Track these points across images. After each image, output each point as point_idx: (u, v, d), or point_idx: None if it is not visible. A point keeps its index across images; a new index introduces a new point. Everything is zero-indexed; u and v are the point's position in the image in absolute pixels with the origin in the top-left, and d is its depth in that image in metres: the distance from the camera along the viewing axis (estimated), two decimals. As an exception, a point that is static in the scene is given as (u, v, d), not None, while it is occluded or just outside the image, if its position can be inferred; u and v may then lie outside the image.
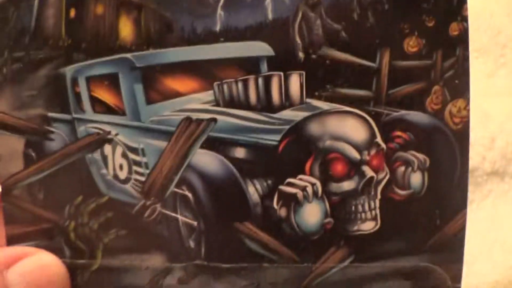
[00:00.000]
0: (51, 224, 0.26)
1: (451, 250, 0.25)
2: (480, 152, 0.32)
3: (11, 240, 0.26)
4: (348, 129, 0.25)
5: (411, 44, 0.24)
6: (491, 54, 0.33)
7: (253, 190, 0.25)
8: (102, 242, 0.26)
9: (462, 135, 0.25)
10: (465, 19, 0.24)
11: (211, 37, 0.25)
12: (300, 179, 0.25)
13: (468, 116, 0.25)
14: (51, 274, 0.25)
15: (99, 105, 0.26)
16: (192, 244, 0.26)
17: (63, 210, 0.26)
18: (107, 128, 0.26)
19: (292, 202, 0.25)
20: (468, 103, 0.25)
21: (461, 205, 0.25)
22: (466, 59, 0.25)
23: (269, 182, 0.25)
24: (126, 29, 0.25)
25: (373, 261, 0.26)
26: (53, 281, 0.25)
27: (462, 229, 0.25)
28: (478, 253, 0.34)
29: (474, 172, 0.33)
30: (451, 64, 0.25)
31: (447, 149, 0.25)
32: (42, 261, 0.25)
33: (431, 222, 0.25)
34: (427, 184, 0.25)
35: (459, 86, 0.25)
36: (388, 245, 0.25)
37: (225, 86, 0.25)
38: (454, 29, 0.24)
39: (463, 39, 0.24)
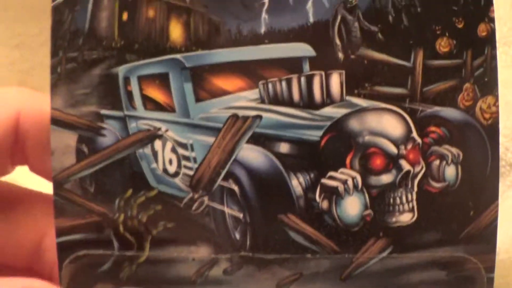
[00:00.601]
0: (100, 217, 0.27)
1: (484, 241, 0.27)
2: (502, 142, 0.33)
3: (61, 233, 0.27)
4: (385, 125, 0.26)
5: (443, 45, 0.26)
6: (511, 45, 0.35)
7: (297, 183, 0.26)
8: (151, 234, 0.27)
9: (493, 130, 0.26)
10: (491, 20, 0.26)
11: (256, 39, 0.26)
12: (341, 173, 0.26)
13: (497, 112, 0.26)
14: None
15: (150, 103, 0.27)
16: (237, 235, 0.27)
17: (113, 203, 0.27)
18: (157, 124, 0.27)
19: (334, 195, 0.26)
20: (497, 100, 0.26)
21: (493, 197, 0.27)
22: (494, 58, 0.26)
23: (312, 175, 0.26)
24: (176, 31, 0.27)
25: (410, 252, 0.27)
26: None
27: (494, 220, 0.27)
28: (504, 242, 0.35)
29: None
30: (480, 62, 0.26)
31: (479, 144, 0.26)
32: None
33: (465, 214, 0.26)
34: (460, 177, 0.26)
35: (488, 83, 0.26)
36: (425, 236, 0.27)
37: (269, 85, 0.26)
38: (482, 30, 0.26)
39: (490, 39, 0.26)
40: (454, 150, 0.26)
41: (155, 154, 0.27)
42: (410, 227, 0.27)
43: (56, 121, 0.27)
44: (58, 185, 0.27)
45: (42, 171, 0.28)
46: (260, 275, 0.27)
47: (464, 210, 0.26)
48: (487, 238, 0.27)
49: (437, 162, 0.26)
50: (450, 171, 0.26)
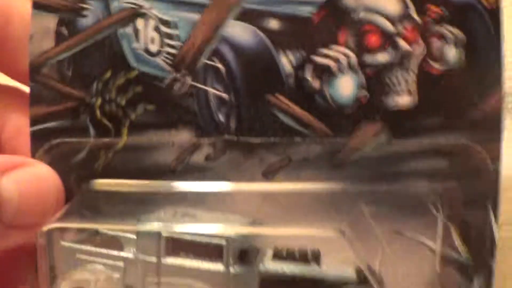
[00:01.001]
0: (77, 102, 0.25)
1: (489, 128, 0.24)
2: (511, 76, 0.32)
3: (35, 121, 0.26)
4: (381, 1, 0.25)
5: None
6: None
7: (286, 61, 0.24)
8: (129, 119, 0.25)
9: (496, 14, 0.25)
10: None
11: None
12: (334, 50, 0.24)
13: (500, -4, 0.25)
14: (45, 186, 0.25)
15: (134, -19, 0.26)
16: (221, 118, 0.25)
17: (91, 86, 0.25)
18: (140, 2, 0.25)
19: (326, 73, 0.24)
20: (499, -18, 0.25)
21: (497, 82, 0.24)
22: None
23: (303, 53, 0.24)
24: None
25: (409, 138, 0.24)
26: (46, 193, 0.25)
27: (499, 108, 0.24)
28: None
29: (505, 99, 0.32)
30: None
31: (481, 26, 0.25)
32: (39, 173, 0.25)
33: (467, 98, 0.24)
34: (463, 59, 0.24)
35: (489, -36, 0.25)
36: (425, 121, 0.24)
37: (259, -41, 0.25)
38: None
39: None
40: (455, 30, 0.25)
41: (136, 33, 0.25)
42: (409, 110, 0.24)
43: (36, 4, 0.26)
44: (35, 70, 0.26)
45: (5, 67, 0.27)
46: (245, 161, 0.25)
47: (467, 94, 0.24)
48: (491, 125, 0.24)
49: (437, 42, 0.25)
50: (452, 53, 0.25)
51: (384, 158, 0.25)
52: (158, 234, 0.23)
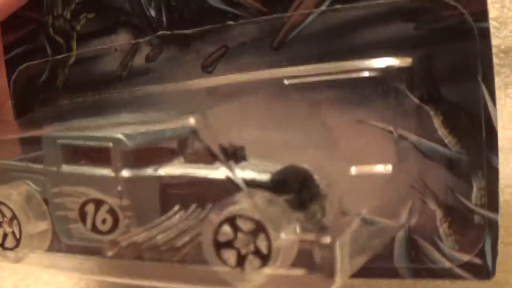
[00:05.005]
0: (35, 24, 0.24)
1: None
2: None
3: (8, 48, 0.25)
4: None
5: None
6: None
7: None
8: (75, 31, 0.23)
9: None
10: None
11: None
12: None
13: None
14: None
15: None
16: (153, 12, 0.22)
17: (42, 6, 0.24)
18: None
19: None
20: None
21: None
22: None
23: None
24: None
25: (358, 1, 0.19)
26: None
27: None
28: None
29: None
30: None
31: None
32: None
33: None
34: None
35: None
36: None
37: None
38: None
39: None
40: None
41: None
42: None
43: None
44: None
45: None
46: (183, 56, 0.21)
47: None
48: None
49: None
50: None
51: (331, 29, 0.19)
52: (54, 141, 0.20)
